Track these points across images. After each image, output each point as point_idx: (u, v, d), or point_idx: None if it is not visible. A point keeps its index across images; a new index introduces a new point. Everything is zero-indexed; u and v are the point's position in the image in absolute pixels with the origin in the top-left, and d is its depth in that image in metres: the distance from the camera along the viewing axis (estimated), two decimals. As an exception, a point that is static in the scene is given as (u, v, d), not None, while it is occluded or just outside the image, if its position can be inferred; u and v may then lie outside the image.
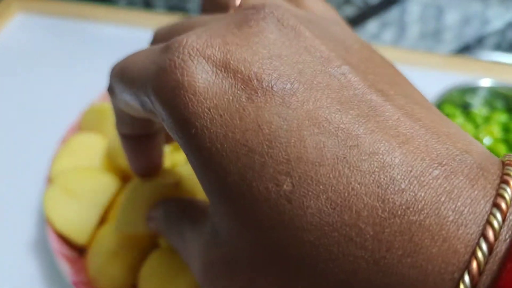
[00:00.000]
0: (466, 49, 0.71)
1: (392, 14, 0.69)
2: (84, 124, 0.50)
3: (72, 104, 0.53)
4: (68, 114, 0.51)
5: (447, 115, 0.50)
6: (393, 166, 0.14)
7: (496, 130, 0.47)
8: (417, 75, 0.68)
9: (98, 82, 0.55)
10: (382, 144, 0.15)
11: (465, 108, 0.53)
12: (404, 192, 0.14)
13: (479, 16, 0.67)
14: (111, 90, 0.23)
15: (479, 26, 0.69)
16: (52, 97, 0.60)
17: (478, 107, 0.52)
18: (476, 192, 0.14)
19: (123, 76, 0.20)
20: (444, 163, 0.15)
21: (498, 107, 0.53)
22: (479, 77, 0.66)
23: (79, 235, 0.40)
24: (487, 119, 0.50)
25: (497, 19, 0.68)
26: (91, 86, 0.56)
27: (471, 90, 0.51)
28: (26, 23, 0.72)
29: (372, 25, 0.71)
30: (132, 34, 0.71)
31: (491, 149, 0.45)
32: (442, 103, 0.50)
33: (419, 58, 0.70)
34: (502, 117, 0.50)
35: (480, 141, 0.46)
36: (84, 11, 0.73)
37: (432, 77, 0.51)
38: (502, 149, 0.45)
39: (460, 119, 0.48)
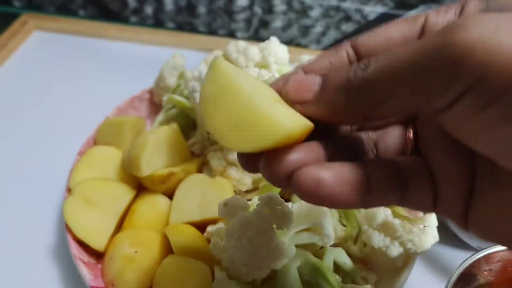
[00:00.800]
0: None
1: (391, 29, 0.72)
2: (99, 137, 0.53)
3: (87, 118, 0.56)
4: (84, 127, 0.55)
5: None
6: None
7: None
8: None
9: (111, 96, 0.58)
10: None
11: None
12: None
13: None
14: None
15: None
16: (69, 111, 0.63)
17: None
18: None
19: None
20: None
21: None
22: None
23: (96, 241, 0.43)
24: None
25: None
26: (105, 100, 0.59)
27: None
28: (43, 41, 0.76)
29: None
30: (143, 51, 0.75)
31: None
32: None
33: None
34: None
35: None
36: (97, 29, 0.77)
37: None
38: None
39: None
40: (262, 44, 0.48)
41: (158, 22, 0.80)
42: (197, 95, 0.42)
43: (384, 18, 0.73)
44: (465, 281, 0.38)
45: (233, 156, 0.44)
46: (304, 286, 0.38)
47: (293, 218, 0.35)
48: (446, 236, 0.49)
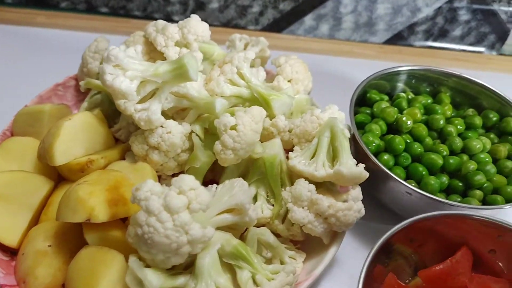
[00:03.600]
0: (398, 37, 0.74)
1: (328, 7, 0.71)
2: (16, 128, 0.49)
3: (6, 108, 0.52)
4: (2, 118, 0.51)
5: (373, 100, 0.52)
6: None
7: (419, 113, 0.49)
8: (353, 65, 0.71)
9: (36, 86, 0.55)
10: None
11: (390, 93, 0.55)
12: None
13: (410, 5, 0.70)
14: None
15: (410, 15, 0.72)
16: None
17: (402, 91, 0.55)
18: None
19: None
20: None
21: (422, 91, 0.55)
22: (411, 63, 0.70)
23: (8, 237, 0.40)
24: (411, 102, 0.52)
25: (426, 7, 0.71)
26: (28, 90, 0.55)
27: (395, 75, 0.54)
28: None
29: (309, 19, 0.73)
30: (74, 38, 0.71)
31: (413, 130, 0.48)
32: (368, 90, 0.52)
33: (354, 48, 0.72)
34: (424, 100, 0.53)
35: (404, 123, 0.48)
36: (25, 17, 0.72)
37: (366, 66, 0.54)
38: (423, 129, 0.48)
39: (385, 103, 0.51)
40: (181, 22, 0.46)
41: (90, 7, 0.77)
42: (106, 77, 0.39)
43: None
44: (387, 251, 0.38)
45: (154, 139, 0.42)
46: (225, 269, 0.36)
47: (207, 200, 0.34)
48: (379, 210, 0.49)
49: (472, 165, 0.45)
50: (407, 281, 0.41)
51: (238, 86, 0.45)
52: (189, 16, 0.47)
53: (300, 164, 0.41)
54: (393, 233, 0.37)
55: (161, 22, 0.46)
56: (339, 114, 0.45)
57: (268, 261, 0.39)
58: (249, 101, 0.46)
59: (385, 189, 0.45)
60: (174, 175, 0.45)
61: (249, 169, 0.44)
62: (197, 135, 0.43)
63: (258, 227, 0.41)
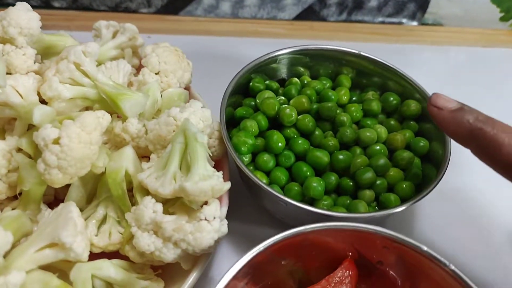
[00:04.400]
0: (309, 12, 0.66)
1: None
2: None
3: None
4: None
5: (257, 90, 0.45)
6: None
7: (306, 102, 0.43)
8: (260, 45, 0.63)
9: None
10: None
11: (273, 78, 0.48)
12: None
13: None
14: None
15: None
16: None
17: (299, 76, 0.48)
18: None
19: None
20: None
21: (322, 73, 0.49)
22: (324, 40, 0.63)
23: None
24: (305, 87, 0.46)
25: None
26: None
27: (285, 58, 0.47)
28: None
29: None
30: None
31: (298, 123, 0.41)
32: (253, 77, 0.45)
33: (260, 27, 0.65)
34: (320, 85, 0.46)
35: (287, 116, 0.41)
36: None
37: (275, 46, 0.46)
38: (310, 121, 0.41)
39: (268, 93, 0.44)
40: (1, 13, 0.37)
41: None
42: None
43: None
44: (258, 268, 0.32)
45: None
46: (45, 318, 0.30)
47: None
48: (264, 215, 0.43)
49: (360, 159, 0.39)
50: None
51: (82, 85, 0.38)
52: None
53: (149, 178, 0.34)
54: (259, 250, 0.31)
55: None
56: (202, 112, 0.38)
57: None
58: (98, 103, 0.38)
59: (262, 196, 0.39)
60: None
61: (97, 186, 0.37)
62: (22, 151, 0.35)
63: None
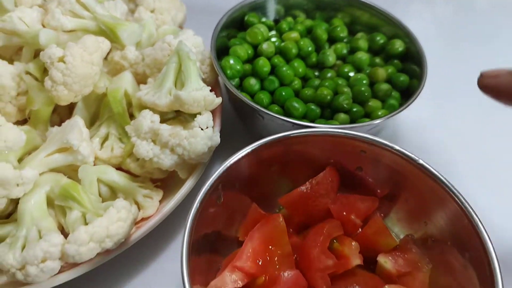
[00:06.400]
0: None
1: None
2: None
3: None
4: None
5: (251, 24, 0.48)
6: None
7: (297, 35, 0.46)
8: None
9: None
10: None
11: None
12: None
13: None
14: None
15: None
16: None
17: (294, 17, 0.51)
18: None
19: None
20: None
21: (318, 17, 0.52)
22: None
23: None
24: (295, 25, 0.49)
25: None
26: None
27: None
28: None
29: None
30: None
31: (283, 48, 0.45)
32: (248, 13, 0.49)
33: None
34: (313, 24, 0.49)
35: (271, 44, 0.45)
36: None
37: None
38: (293, 47, 0.45)
39: (262, 26, 0.47)
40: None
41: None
42: None
43: None
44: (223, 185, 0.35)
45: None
46: (57, 212, 0.33)
47: (14, 138, 0.31)
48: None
49: (340, 86, 0.42)
50: (277, 210, 0.39)
51: (82, 18, 0.41)
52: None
53: (147, 95, 0.38)
54: (237, 157, 0.33)
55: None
56: (194, 39, 0.41)
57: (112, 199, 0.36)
58: (97, 35, 0.41)
59: (246, 113, 0.42)
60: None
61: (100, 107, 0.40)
62: (31, 74, 0.38)
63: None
